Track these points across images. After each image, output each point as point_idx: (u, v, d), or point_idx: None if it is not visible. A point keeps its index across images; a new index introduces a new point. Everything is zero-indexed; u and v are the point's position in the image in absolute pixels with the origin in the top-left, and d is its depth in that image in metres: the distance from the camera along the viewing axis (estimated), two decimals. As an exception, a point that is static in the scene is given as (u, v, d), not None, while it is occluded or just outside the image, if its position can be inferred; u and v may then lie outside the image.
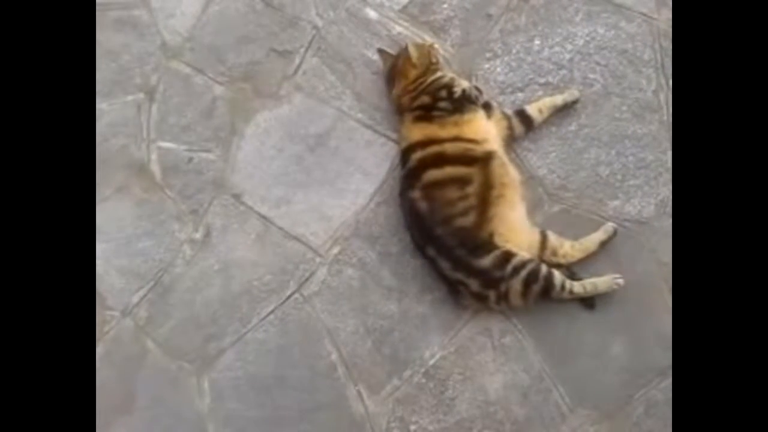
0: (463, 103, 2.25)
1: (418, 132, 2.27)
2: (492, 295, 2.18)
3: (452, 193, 2.20)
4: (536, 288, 2.16)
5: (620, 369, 2.22)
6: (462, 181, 2.20)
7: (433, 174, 2.22)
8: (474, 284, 2.19)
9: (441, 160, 2.22)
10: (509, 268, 2.15)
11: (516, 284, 2.15)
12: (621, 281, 2.19)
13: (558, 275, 2.17)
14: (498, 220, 2.19)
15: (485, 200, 2.19)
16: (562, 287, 2.17)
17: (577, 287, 2.18)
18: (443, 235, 2.20)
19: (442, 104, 2.26)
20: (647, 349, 2.21)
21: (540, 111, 2.31)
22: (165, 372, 2.33)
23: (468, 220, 2.19)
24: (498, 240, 2.18)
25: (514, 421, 2.23)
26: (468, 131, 2.24)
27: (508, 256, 2.16)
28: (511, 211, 2.21)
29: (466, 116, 2.25)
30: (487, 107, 2.29)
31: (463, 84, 2.28)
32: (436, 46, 2.34)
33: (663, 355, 2.18)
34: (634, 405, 2.20)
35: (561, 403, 2.23)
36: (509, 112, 2.31)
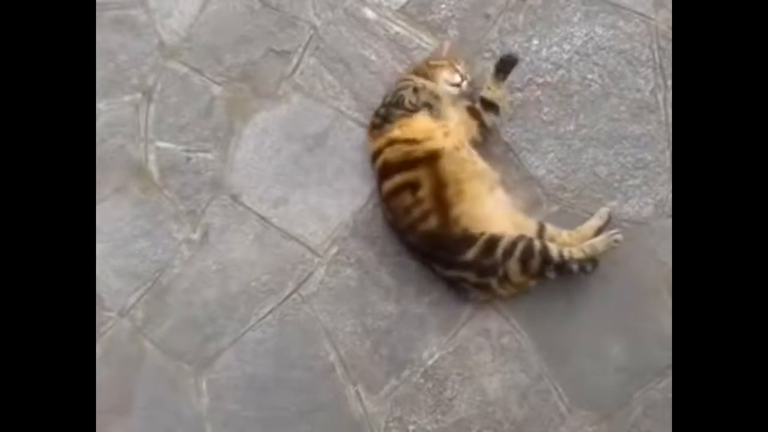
0: (392, 111, 2.24)
1: (373, 142, 2.28)
2: (493, 281, 2.17)
3: (406, 200, 2.19)
4: (534, 263, 2.13)
5: (619, 369, 2.22)
6: (412, 186, 2.18)
7: (387, 185, 2.22)
8: (471, 276, 2.18)
9: (388, 169, 2.22)
10: (499, 252, 2.13)
11: (513, 265, 2.13)
12: (619, 236, 2.15)
13: (554, 246, 2.14)
14: (467, 217, 2.16)
15: (442, 201, 2.16)
16: (561, 256, 2.13)
17: (577, 252, 2.15)
18: (416, 243, 2.21)
19: (381, 110, 2.27)
20: (646, 350, 2.21)
21: (489, 89, 2.24)
22: (163, 372, 2.32)
23: (431, 224, 2.17)
24: (475, 232, 2.15)
25: (513, 421, 2.23)
26: (404, 132, 2.21)
27: (493, 241, 2.14)
28: (478, 204, 2.18)
29: (398, 122, 2.23)
30: (429, 107, 2.25)
31: (405, 93, 2.24)
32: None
33: (661, 355, 2.18)
34: (632, 405, 2.21)
35: (560, 403, 2.23)
36: (478, 107, 2.26)
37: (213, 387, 2.31)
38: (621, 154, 2.30)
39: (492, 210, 2.20)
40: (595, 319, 2.23)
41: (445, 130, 2.22)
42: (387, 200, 2.24)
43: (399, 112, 2.24)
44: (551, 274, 2.15)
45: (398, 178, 2.20)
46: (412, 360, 2.28)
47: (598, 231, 2.22)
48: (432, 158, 2.18)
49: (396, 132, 2.22)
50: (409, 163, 2.19)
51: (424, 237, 2.19)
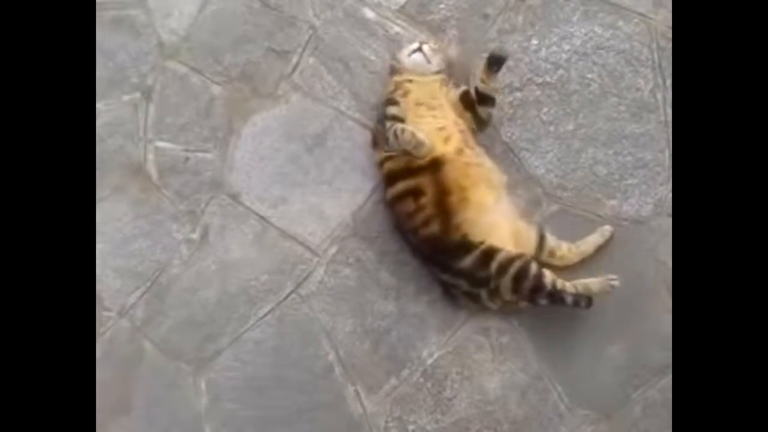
0: (380, 144, 2.26)
1: (377, 153, 2.29)
2: (483, 293, 2.17)
3: (409, 206, 2.20)
4: (527, 285, 2.12)
5: (618, 369, 2.22)
6: (415, 193, 2.18)
7: (391, 192, 2.24)
8: (463, 284, 2.19)
9: (391, 177, 2.23)
10: (494, 266, 2.13)
11: (505, 281, 2.13)
12: (616, 282, 2.14)
13: (549, 274, 2.13)
14: (468, 225, 2.15)
15: (445, 209, 2.16)
16: (554, 285, 2.12)
17: (570, 287, 2.14)
18: (417, 245, 2.23)
19: (376, 128, 2.29)
20: (645, 349, 2.21)
21: (483, 82, 2.23)
22: (162, 372, 2.32)
23: (432, 229, 2.17)
24: (474, 240, 2.15)
25: (513, 420, 2.23)
26: None
27: (490, 253, 2.13)
28: (482, 212, 2.17)
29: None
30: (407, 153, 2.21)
31: (390, 134, 2.20)
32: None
33: (661, 355, 2.18)
34: (632, 405, 2.20)
35: (559, 402, 2.23)
36: (472, 93, 2.25)
37: (212, 387, 2.31)
38: (620, 154, 2.31)
39: (495, 218, 2.19)
40: (594, 318, 2.22)
41: (445, 135, 2.21)
42: (392, 205, 2.25)
43: (385, 146, 2.23)
44: (543, 301, 2.13)
45: (401, 186, 2.20)
46: (412, 359, 2.28)
47: (599, 248, 2.22)
48: (434, 165, 2.17)
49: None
50: (411, 171, 2.19)
51: (425, 241, 2.20)
